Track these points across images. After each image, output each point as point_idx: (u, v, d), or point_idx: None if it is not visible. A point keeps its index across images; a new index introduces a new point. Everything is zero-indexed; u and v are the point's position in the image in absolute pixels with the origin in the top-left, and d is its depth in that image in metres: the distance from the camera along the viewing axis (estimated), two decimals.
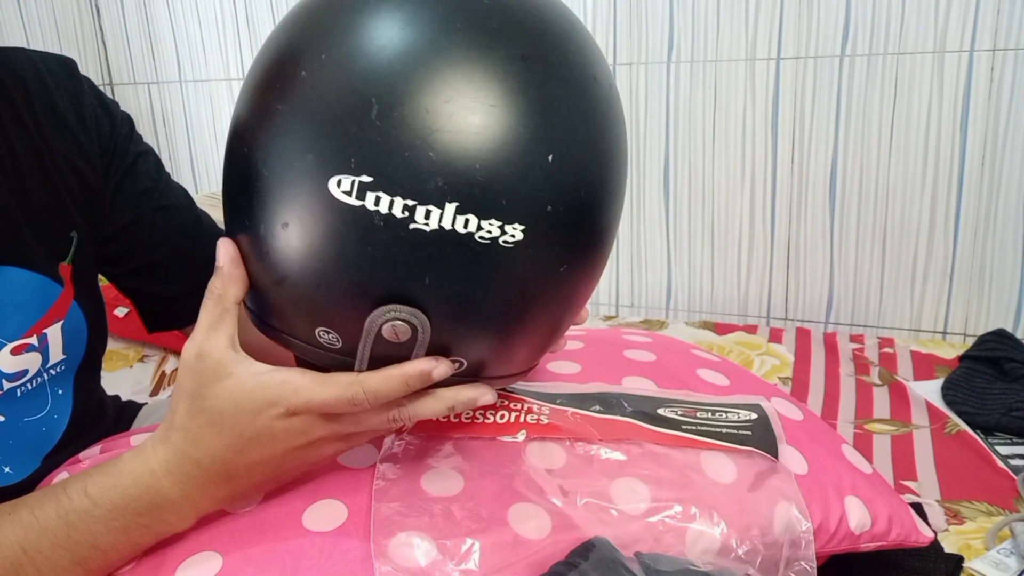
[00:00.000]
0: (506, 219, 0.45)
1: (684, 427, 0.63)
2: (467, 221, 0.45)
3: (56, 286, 0.68)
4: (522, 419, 0.61)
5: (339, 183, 0.45)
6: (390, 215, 0.45)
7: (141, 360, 1.51)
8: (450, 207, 0.45)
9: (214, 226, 0.80)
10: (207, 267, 0.52)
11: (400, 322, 0.47)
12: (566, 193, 0.47)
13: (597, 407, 0.63)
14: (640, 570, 0.52)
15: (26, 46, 0.78)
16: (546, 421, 0.61)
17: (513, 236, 0.46)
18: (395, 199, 0.45)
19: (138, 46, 2.00)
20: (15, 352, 0.66)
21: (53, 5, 1.95)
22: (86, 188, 0.71)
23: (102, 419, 0.80)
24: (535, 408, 0.63)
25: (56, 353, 0.69)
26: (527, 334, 0.52)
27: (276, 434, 0.50)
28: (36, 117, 0.68)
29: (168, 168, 0.85)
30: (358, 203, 0.45)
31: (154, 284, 0.76)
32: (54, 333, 0.68)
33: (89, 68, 2.03)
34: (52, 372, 0.70)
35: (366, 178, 0.45)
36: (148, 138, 0.79)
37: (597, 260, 0.52)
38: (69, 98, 0.71)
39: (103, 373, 0.80)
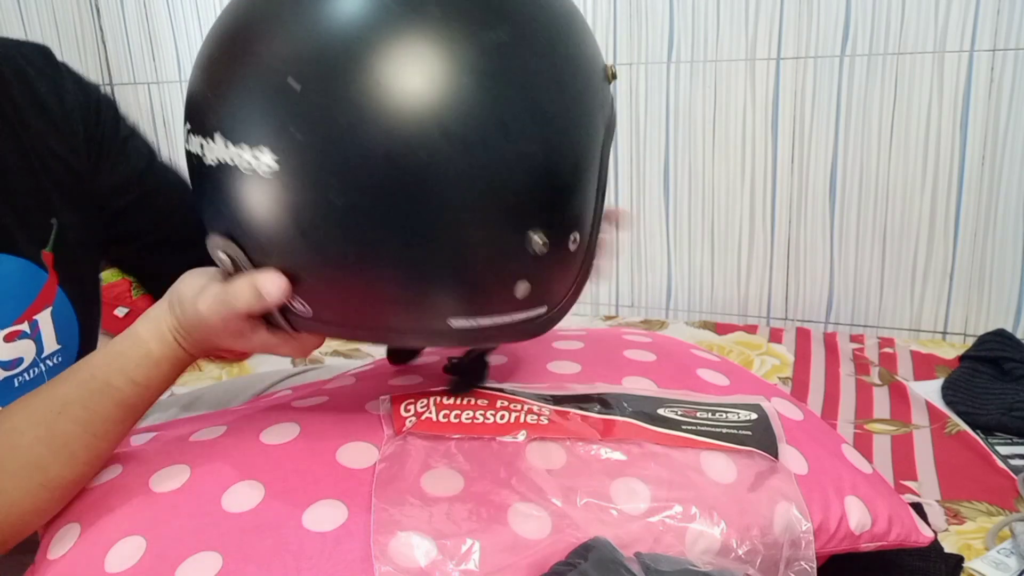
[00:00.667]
0: (256, 145, 0.48)
1: (684, 427, 0.63)
2: (233, 151, 0.49)
3: (43, 273, 0.69)
4: (522, 419, 0.61)
5: (184, 134, 0.54)
6: (196, 153, 0.52)
7: None
8: (219, 138, 0.49)
9: None
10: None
11: (219, 252, 0.54)
12: (318, 123, 0.47)
13: (597, 407, 0.63)
14: (640, 570, 0.52)
15: None
16: (546, 421, 0.61)
17: (269, 166, 0.48)
18: (195, 138, 0.52)
19: (138, 46, 2.00)
20: (8, 339, 0.66)
21: (53, 5, 1.95)
22: (72, 174, 0.71)
23: None
24: (535, 408, 0.63)
25: (50, 342, 0.70)
26: (346, 277, 0.51)
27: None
28: (15, 103, 0.68)
29: None
30: (187, 147, 0.53)
31: (164, 258, 0.78)
32: (45, 320, 0.69)
33: (89, 68, 2.03)
34: (49, 363, 0.70)
35: (188, 124, 0.53)
36: (148, 138, 0.80)
37: (396, 209, 0.48)
38: (50, 86, 0.71)
39: None
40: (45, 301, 0.69)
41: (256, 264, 0.53)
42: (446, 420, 0.61)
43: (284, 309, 0.54)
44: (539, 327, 0.56)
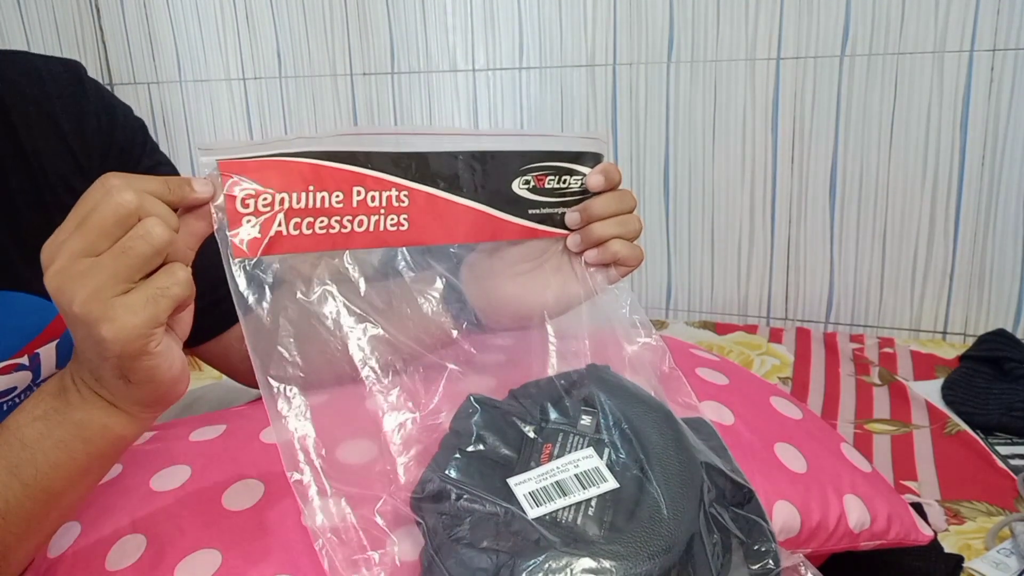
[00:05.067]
0: None
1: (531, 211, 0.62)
2: None
3: (53, 307, 0.67)
4: (383, 225, 0.54)
5: None
6: None
7: None
8: None
9: None
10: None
11: None
12: None
13: (444, 184, 0.56)
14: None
15: (26, 45, 0.77)
16: (407, 226, 0.54)
17: None
18: None
19: (138, 46, 2.00)
20: (3, 372, 0.65)
21: (53, 5, 1.95)
22: None
23: None
24: (395, 198, 0.53)
25: (48, 369, 0.68)
26: None
27: None
28: (31, 130, 0.66)
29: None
30: None
31: None
32: (47, 353, 0.67)
33: (89, 68, 2.03)
34: None
35: None
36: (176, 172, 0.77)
37: None
38: (71, 108, 0.68)
39: None
40: (52, 335, 0.67)
41: None
42: (299, 233, 0.50)
43: None
44: None
